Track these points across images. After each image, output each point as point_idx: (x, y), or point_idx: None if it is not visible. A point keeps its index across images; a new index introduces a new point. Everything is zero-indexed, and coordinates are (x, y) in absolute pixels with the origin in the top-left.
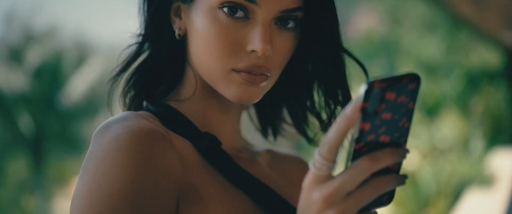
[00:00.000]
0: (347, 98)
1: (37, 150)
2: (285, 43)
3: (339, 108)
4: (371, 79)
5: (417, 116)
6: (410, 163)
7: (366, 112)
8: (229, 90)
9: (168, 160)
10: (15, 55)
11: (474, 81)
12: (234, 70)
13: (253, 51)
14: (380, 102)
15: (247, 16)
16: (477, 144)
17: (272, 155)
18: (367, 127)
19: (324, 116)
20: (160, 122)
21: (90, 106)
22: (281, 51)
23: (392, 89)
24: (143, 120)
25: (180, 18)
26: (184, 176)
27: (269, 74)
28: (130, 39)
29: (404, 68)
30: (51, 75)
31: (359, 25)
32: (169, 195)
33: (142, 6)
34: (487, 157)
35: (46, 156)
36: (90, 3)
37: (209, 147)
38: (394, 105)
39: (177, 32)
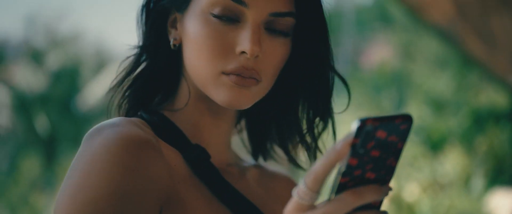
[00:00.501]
0: (328, 114)
1: (51, 150)
2: (276, 49)
3: (318, 122)
4: (364, 117)
5: (421, 149)
6: (410, 194)
7: (355, 148)
8: (219, 94)
9: (156, 169)
10: (37, 57)
11: (480, 121)
12: (223, 73)
13: (242, 53)
14: (371, 140)
15: (238, 19)
16: (478, 182)
17: (260, 171)
18: (355, 162)
19: (305, 131)
20: (152, 130)
21: (105, 113)
22: (272, 57)
23: (384, 129)
24: (134, 127)
25: (176, 29)
26: (170, 186)
27: (259, 79)
28: (129, 51)
29: (413, 102)
30: (70, 79)
31: (373, 56)
32: (153, 204)
33: (140, 19)
34: (486, 196)
35: (58, 156)
36: (112, 13)
37: (198, 160)
38: (384, 144)
39: (172, 42)
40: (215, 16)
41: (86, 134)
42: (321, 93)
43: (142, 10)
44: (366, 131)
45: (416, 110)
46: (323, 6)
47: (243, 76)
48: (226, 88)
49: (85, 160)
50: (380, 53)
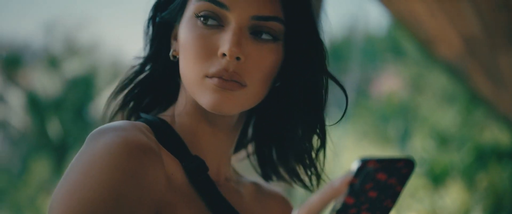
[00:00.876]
0: (321, 127)
1: (61, 155)
2: (261, 54)
3: (310, 135)
4: (366, 157)
5: (422, 181)
6: None
7: (353, 188)
8: (204, 97)
9: (154, 176)
10: (54, 64)
11: (483, 157)
12: (207, 76)
13: (223, 55)
14: (370, 181)
15: (221, 23)
16: None
17: (257, 188)
18: (351, 201)
19: (303, 150)
20: (154, 135)
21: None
22: (258, 62)
23: (385, 171)
24: (138, 132)
25: (177, 41)
26: (166, 194)
27: (243, 83)
28: (134, 61)
29: (418, 134)
30: (84, 87)
31: (382, 86)
32: (148, 210)
33: (146, 31)
34: None
35: (68, 161)
36: (131, 26)
37: (197, 171)
38: (383, 185)
39: (171, 53)
40: (200, 20)
41: (90, 134)
42: (314, 101)
43: (148, 23)
44: (367, 172)
45: (421, 142)
46: (312, 11)
47: (224, 79)
48: (209, 91)
49: (85, 160)
50: (389, 83)
